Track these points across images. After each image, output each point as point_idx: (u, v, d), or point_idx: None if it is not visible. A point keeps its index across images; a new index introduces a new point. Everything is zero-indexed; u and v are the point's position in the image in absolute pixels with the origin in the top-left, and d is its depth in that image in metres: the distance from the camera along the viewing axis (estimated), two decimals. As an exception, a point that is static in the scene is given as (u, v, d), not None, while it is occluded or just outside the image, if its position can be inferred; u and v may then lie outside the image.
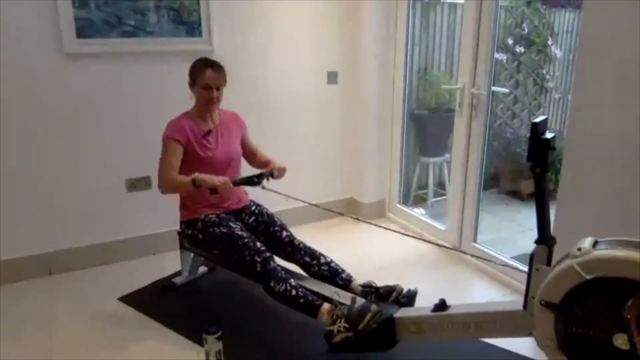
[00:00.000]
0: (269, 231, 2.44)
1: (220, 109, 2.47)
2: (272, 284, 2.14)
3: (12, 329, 2.33)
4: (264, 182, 2.39)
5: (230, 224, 2.33)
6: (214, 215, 2.36)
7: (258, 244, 2.23)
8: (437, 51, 4.37)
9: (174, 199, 2.42)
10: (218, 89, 2.32)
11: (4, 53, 2.49)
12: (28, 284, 2.73)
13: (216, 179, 2.20)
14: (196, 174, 2.21)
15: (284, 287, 2.12)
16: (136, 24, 2.74)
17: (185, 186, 2.24)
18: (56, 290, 2.67)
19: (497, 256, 2.82)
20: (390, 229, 2.56)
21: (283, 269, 2.23)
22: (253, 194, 2.57)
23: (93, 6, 2.61)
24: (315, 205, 2.58)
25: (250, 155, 2.61)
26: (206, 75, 2.28)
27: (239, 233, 2.28)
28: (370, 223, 2.59)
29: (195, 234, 2.39)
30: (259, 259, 2.17)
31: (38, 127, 2.66)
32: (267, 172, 2.42)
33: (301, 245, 2.39)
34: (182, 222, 2.46)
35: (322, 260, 2.35)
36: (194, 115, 2.38)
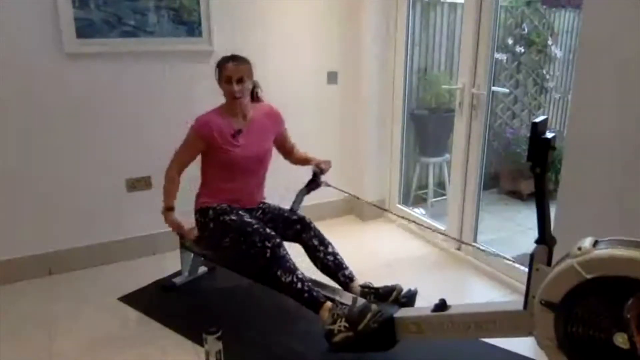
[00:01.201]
0: (276, 214, 2.44)
1: (256, 103, 2.45)
2: (279, 273, 2.11)
3: (12, 329, 2.33)
4: (322, 178, 2.53)
5: (240, 212, 2.33)
6: (226, 205, 2.36)
7: (268, 230, 2.21)
8: (437, 51, 4.37)
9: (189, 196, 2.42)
10: (240, 82, 2.28)
11: (4, 53, 2.49)
12: (28, 284, 2.73)
13: (173, 225, 2.34)
14: (168, 212, 2.33)
15: (290, 278, 2.10)
16: (136, 24, 2.74)
17: (164, 194, 2.34)
18: (56, 290, 2.67)
19: (498, 253, 2.81)
20: (414, 221, 2.56)
21: (291, 258, 2.19)
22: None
23: (93, 6, 2.61)
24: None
25: (287, 151, 2.64)
26: (227, 68, 2.27)
27: (248, 220, 2.27)
28: (399, 216, 2.60)
29: (206, 222, 2.37)
30: (269, 244, 2.14)
31: (38, 127, 2.66)
32: (317, 170, 2.51)
33: (312, 225, 2.38)
34: (196, 211, 2.44)
35: (330, 249, 2.34)
36: (224, 112, 2.36)
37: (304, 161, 2.63)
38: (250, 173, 2.43)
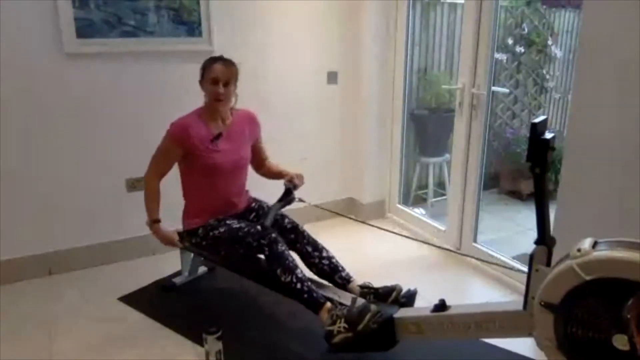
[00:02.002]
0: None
1: (234, 109, 2.41)
2: (278, 271, 2.10)
3: (12, 329, 2.33)
4: (295, 194, 2.42)
5: (228, 221, 2.31)
6: (213, 220, 2.34)
7: (259, 227, 2.19)
8: (437, 51, 4.37)
9: (174, 200, 2.41)
10: (226, 85, 2.22)
11: (4, 53, 2.49)
12: (28, 284, 2.73)
13: (164, 239, 2.32)
14: (156, 225, 2.30)
15: (289, 277, 2.09)
16: (136, 24, 2.74)
17: (147, 205, 2.32)
18: (56, 290, 2.67)
19: (497, 256, 2.82)
20: (405, 235, 2.56)
21: (290, 256, 2.16)
22: (256, 193, 2.59)
23: (93, 6, 2.61)
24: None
25: (259, 161, 2.57)
26: (214, 69, 2.21)
27: (237, 226, 2.25)
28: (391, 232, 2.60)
29: (198, 242, 2.37)
30: (264, 241, 2.12)
31: (38, 127, 2.66)
32: (290, 185, 2.42)
33: (305, 233, 2.35)
34: (184, 231, 2.42)
35: (324, 254, 2.32)
36: (203, 115, 2.31)
37: (276, 175, 2.54)
38: (232, 178, 2.39)
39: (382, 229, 2.59)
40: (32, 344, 2.22)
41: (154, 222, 2.31)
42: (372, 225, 2.61)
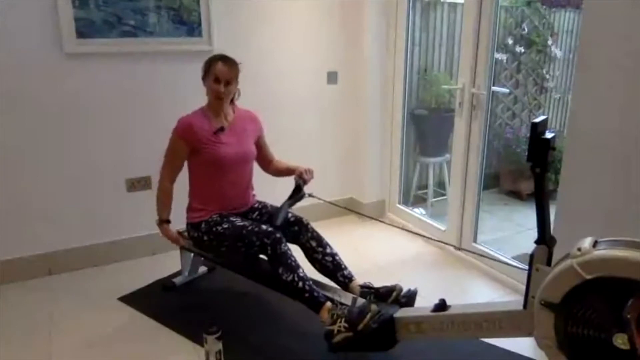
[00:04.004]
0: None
1: (236, 107, 2.44)
2: (280, 270, 2.10)
3: (12, 329, 2.33)
4: (305, 189, 2.40)
5: (232, 218, 2.32)
6: (216, 215, 2.35)
7: (264, 227, 2.19)
8: (437, 51, 4.37)
9: (174, 200, 2.41)
10: (228, 84, 2.27)
11: (4, 53, 2.49)
12: (28, 284, 2.73)
13: (172, 239, 2.40)
14: (165, 226, 2.36)
15: (291, 277, 2.09)
16: (136, 24, 2.74)
17: (158, 206, 2.36)
18: (56, 290, 2.67)
19: (497, 256, 2.82)
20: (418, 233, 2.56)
21: (292, 255, 2.16)
22: (259, 194, 2.59)
23: (93, 6, 2.61)
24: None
25: (266, 161, 2.59)
26: (216, 68, 2.26)
27: (241, 224, 2.26)
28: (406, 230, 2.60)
29: (200, 236, 2.37)
30: (268, 241, 2.13)
31: (38, 127, 2.66)
32: (299, 180, 2.40)
33: (309, 227, 2.35)
34: (188, 224, 2.44)
35: (328, 250, 2.32)
36: (207, 111, 2.35)
37: (285, 172, 2.55)
38: (237, 173, 2.40)
39: (395, 226, 2.59)
40: (32, 344, 2.22)
41: (163, 222, 2.37)
42: (386, 223, 2.61)
